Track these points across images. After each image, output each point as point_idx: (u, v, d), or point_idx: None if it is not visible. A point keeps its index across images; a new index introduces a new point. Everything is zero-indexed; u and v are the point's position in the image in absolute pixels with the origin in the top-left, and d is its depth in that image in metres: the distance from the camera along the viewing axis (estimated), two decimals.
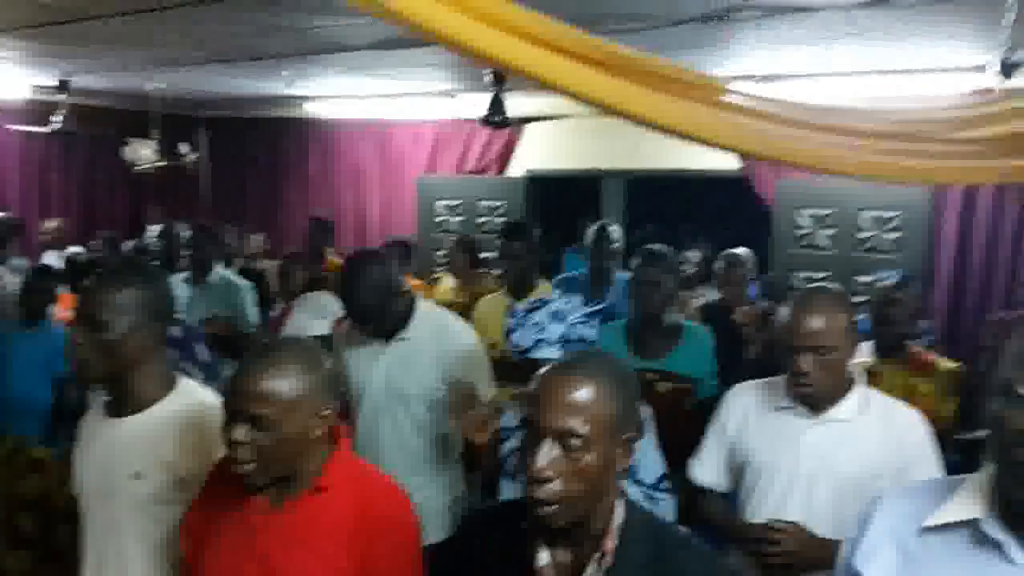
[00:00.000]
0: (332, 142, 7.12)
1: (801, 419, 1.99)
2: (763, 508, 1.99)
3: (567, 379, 1.26)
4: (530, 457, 1.23)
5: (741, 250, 4.27)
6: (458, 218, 6.53)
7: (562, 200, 7.37)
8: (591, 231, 4.22)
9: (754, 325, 3.49)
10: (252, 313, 4.35)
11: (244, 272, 5.05)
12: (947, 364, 3.23)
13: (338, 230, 6.69)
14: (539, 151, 6.39)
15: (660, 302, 2.98)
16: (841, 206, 5.24)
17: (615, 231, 4.24)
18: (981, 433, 1.90)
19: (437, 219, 6.61)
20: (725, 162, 5.67)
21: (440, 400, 2.49)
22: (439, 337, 2.55)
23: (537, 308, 2.19)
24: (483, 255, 5.29)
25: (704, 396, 2.99)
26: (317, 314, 4.00)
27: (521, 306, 2.22)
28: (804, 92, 4.04)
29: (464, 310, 4.38)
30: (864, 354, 3.36)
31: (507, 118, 4.82)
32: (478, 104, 5.02)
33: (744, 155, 3.90)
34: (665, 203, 8.05)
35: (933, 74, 4.42)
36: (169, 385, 1.80)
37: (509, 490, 2.27)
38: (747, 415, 2.10)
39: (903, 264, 4.85)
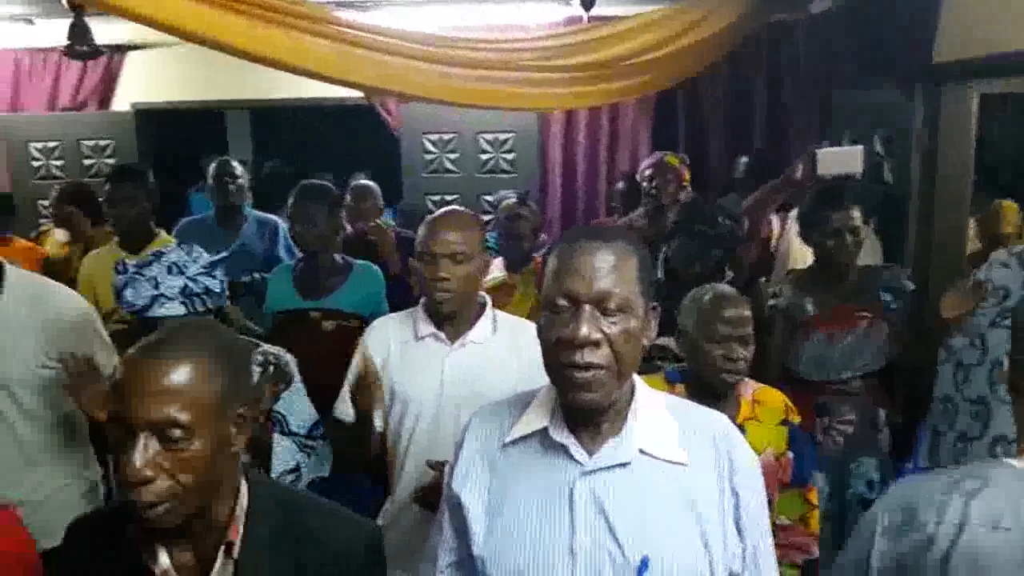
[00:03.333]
0: None
1: (442, 345, 2.07)
2: (415, 437, 2.06)
3: (155, 362, 1.11)
4: (123, 457, 1.08)
5: (366, 181, 4.28)
6: (58, 162, 5.73)
7: (181, 137, 6.82)
8: (212, 168, 3.97)
9: (390, 243, 3.55)
10: None
11: None
12: None
13: None
14: (147, 83, 5.77)
15: (318, 238, 2.91)
16: (461, 131, 5.49)
17: (238, 166, 4.02)
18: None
19: (34, 164, 5.74)
20: (349, 91, 5.65)
21: (51, 379, 2.21)
22: (37, 307, 2.24)
23: (151, 262, 2.01)
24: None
25: None
26: None
27: (131, 261, 2.02)
28: (406, 20, 4.08)
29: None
30: (497, 269, 3.62)
31: (97, 47, 4.28)
32: (65, 31, 4.39)
33: (363, 89, 3.89)
34: (293, 135, 7.82)
35: (525, 2, 4.73)
36: None
37: None
38: (389, 348, 2.13)
39: (520, 183, 5.25)
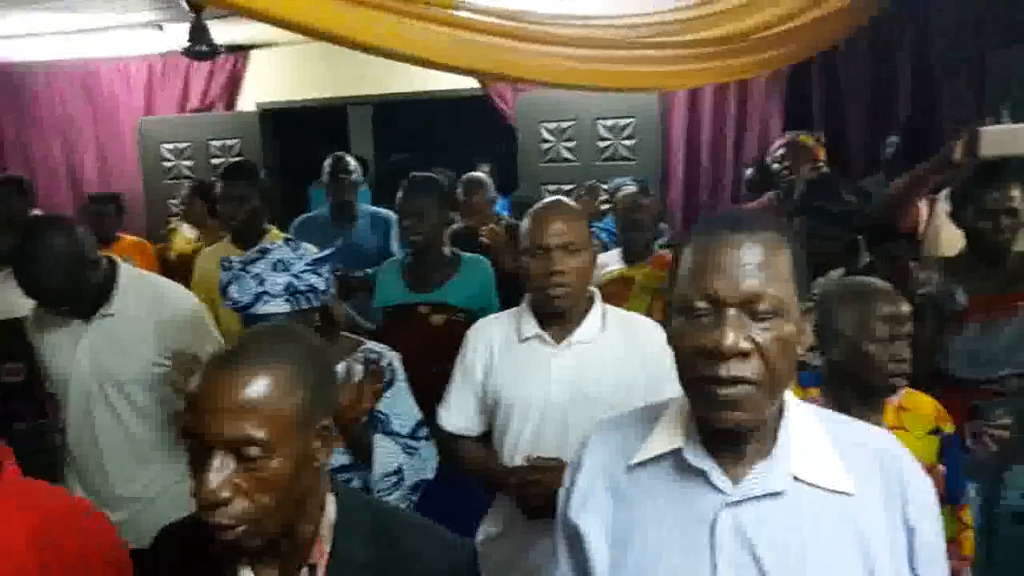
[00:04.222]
0: (27, 89, 6.14)
1: (547, 347, 1.93)
2: (520, 445, 1.92)
3: (230, 374, 1.02)
4: (198, 477, 1.01)
5: (478, 173, 4.18)
6: (188, 162, 5.93)
7: (304, 134, 6.96)
8: (326, 164, 3.97)
9: (502, 242, 3.44)
10: None
11: None
12: None
13: (48, 190, 5.91)
14: (270, 82, 5.91)
15: (428, 232, 2.83)
16: (579, 117, 5.32)
17: (352, 161, 4.00)
18: None
19: (165, 165, 5.96)
20: (467, 82, 5.58)
21: (163, 378, 2.21)
22: (151, 307, 2.24)
23: (256, 259, 1.95)
24: None
25: None
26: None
27: (237, 257, 1.97)
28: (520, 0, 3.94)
29: None
30: (615, 262, 3.45)
31: (216, 46, 4.35)
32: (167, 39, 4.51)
33: (477, 76, 3.78)
34: (413, 128, 7.86)
35: None
36: None
37: None
38: (491, 351, 2.01)
39: (640, 169, 5.05)
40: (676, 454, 1.07)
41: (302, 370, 1.07)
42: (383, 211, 4.09)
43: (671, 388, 1.88)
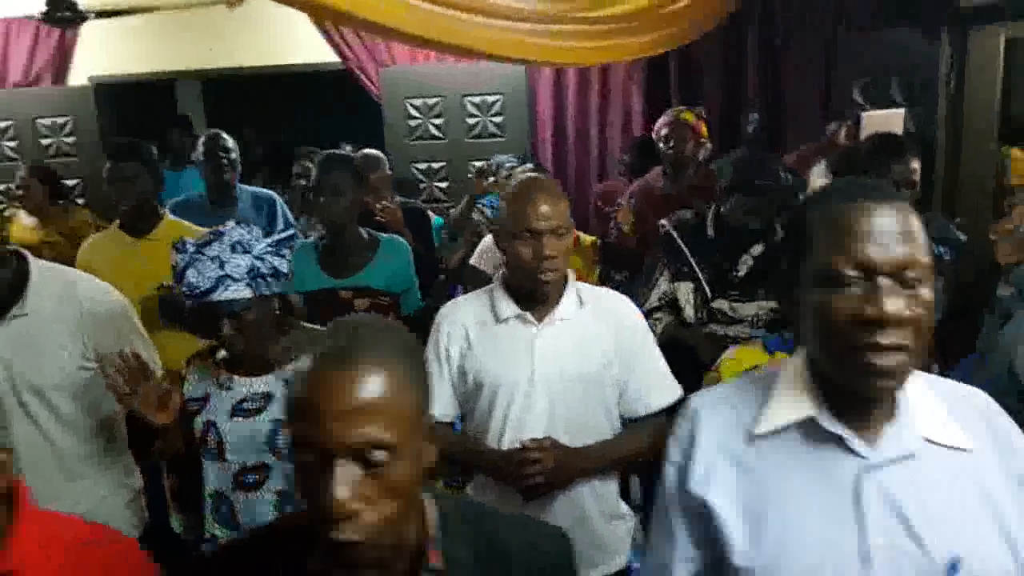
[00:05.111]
0: None
1: (530, 326, 1.92)
2: (507, 426, 1.90)
3: (349, 374, 0.91)
4: (322, 490, 0.90)
5: (374, 151, 4.04)
6: (11, 142, 5.34)
7: (133, 111, 6.42)
8: (203, 142, 3.70)
9: (400, 220, 3.38)
10: None
11: None
12: (587, 238, 3.47)
13: None
14: (103, 54, 5.41)
15: (346, 211, 2.70)
16: (447, 93, 5.26)
17: (230, 140, 3.75)
18: None
19: None
20: (323, 55, 5.37)
21: (89, 382, 2.00)
22: (69, 304, 2.01)
23: (211, 241, 1.80)
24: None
25: (411, 311, 2.87)
26: None
27: (190, 240, 1.81)
28: None
29: (57, 254, 3.63)
30: None
31: (81, 12, 3.91)
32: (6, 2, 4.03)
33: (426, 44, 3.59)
34: (254, 105, 7.43)
35: None
36: None
37: (215, 473, 1.91)
38: (466, 334, 1.97)
39: (510, 146, 5.07)
40: (808, 422, 1.08)
41: (414, 364, 1.00)
42: (263, 191, 3.88)
43: (643, 360, 1.97)
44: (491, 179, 4.31)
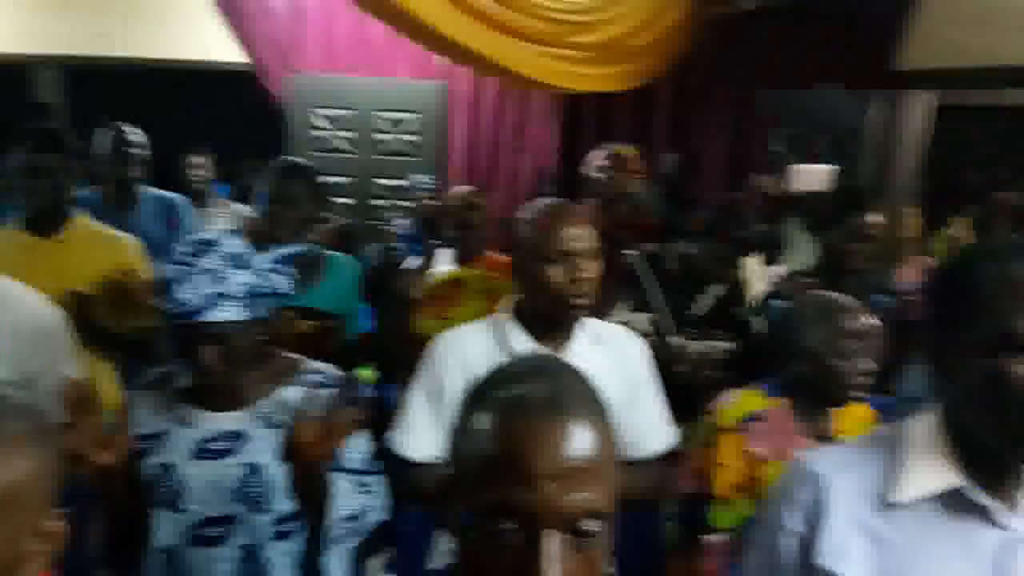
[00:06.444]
0: None
1: None
2: None
3: (565, 426, 0.77)
4: (524, 566, 0.74)
5: (297, 159, 3.74)
6: None
7: None
8: (108, 136, 3.30)
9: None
10: None
11: None
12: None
13: None
14: None
15: (296, 224, 2.45)
16: (358, 108, 5.02)
17: (137, 134, 3.38)
18: None
19: None
20: (223, 53, 5.00)
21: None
22: None
23: (203, 251, 1.53)
24: None
25: (355, 332, 2.67)
26: None
27: (182, 248, 1.53)
28: None
29: None
30: (447, 262, 3.28)
31: None
32: None
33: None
34: (143, 101, 6.82)
35: None
36: None
37: (169, 524, 1.61)
38: (466, 366, 1.79)
39: (419, 167, 4.90)
40: (951, 492, 1.01)
41: (603, 408, 0.84)
42: (169, 194, 3.51)
43: (646, 402, 1.86)
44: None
